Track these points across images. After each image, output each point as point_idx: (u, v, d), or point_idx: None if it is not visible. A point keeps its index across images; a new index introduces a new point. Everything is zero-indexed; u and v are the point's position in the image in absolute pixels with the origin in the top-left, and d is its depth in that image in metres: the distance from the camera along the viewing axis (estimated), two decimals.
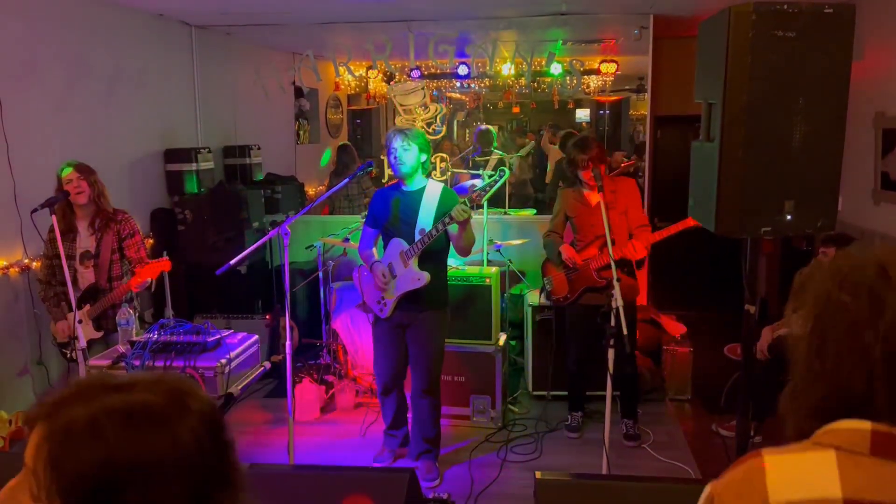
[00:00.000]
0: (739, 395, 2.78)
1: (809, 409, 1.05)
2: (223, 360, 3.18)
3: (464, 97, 12.89)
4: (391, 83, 7.32)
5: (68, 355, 4.02)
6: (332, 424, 4.77)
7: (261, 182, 6.74)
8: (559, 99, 11.67)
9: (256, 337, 3.64)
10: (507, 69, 6.74)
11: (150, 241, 5.57)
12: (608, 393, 3.52)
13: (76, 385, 0.91)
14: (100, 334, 3.90)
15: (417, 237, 3.74)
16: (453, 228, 3.67)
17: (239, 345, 3.44)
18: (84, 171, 3.80)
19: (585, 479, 3.23)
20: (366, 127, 10.77)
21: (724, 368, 4.75)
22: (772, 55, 2.35)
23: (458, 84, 10.95)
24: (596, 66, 9.01)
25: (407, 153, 3.74)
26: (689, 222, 3.72)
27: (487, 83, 10.83)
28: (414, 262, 3.75)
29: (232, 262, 3.51)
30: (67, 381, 2.73)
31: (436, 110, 6.13)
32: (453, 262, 4.99)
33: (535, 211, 6.57)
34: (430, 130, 5.78)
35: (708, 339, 5.52)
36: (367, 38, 6.11)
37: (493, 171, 6.86)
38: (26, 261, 4.31)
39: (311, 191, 8.33)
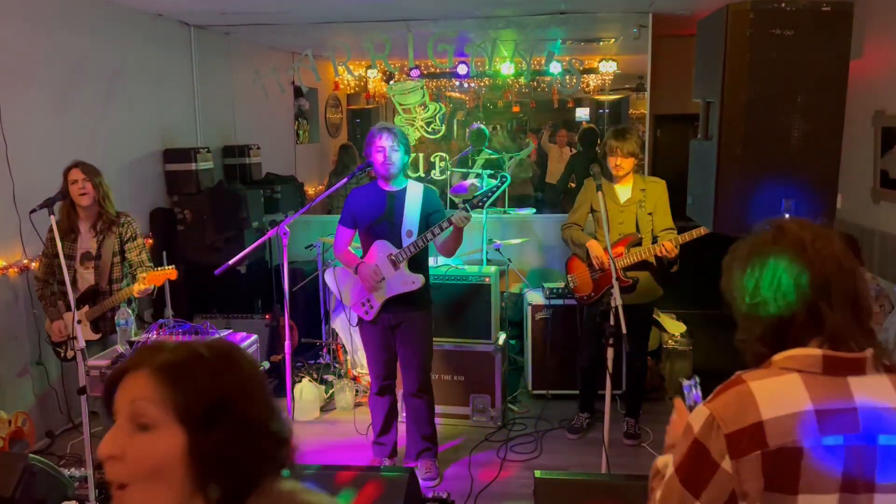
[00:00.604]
0: None
1: (754, 339, 1.38)
2: None
3: (463, 96, 12.89)
4: (390, 82, 7.33)
5: (62, 354, 4.02)
6: (332, 424, 4.77)
7: (260, 182, 6.74)
8: (559, 98, 11.68)
9: (255, 337, 3.64)
10: (506, 68, 6.73)
11: (150, 241, 5.57)
12: (608, 392, 3.52)
13: (144, 348, 1.12)
14: (97, 336, 3.89)
15: (405, 238, 3.72)
16: (447, 231, 3.65)
17: (238, 345, 3.44)
18: (90, 172, 3.80)
19: (585, 477, 3.23)
20: (365, 126, 10.76)
21: (723, 367, 4.74)
22: (770, 53, 2.35)
23: (457, 83, 10.95)
24: (595, 65, 9.02)
25: (396, 153, 3.70)
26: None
27: (487, 82, 10.83)
28: (405, 265, 3.72)
29: (231, 261, 3.51)
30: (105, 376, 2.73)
31: (435, 109, 6.14)
32: (452, 261, 4.99)
33: (534, 210, 6.57)
34: (430, 130, 5.79)
35: (707, 337, 5.52)
36: (366, 38, 6.10)
37: (482, 170, 6.86)
38: (25, 261, 4.31)
39: (310, 190, 8.34)
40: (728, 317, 1.48)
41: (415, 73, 7.13)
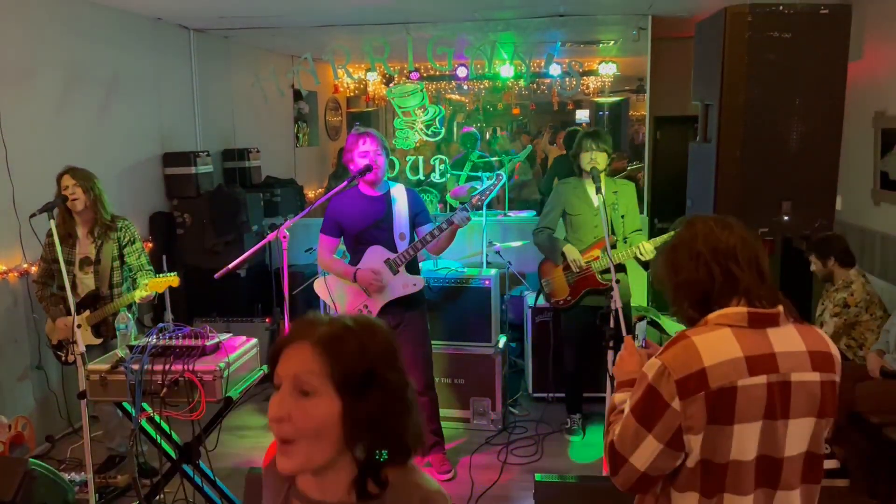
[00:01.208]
0: None
1: (686, 307, 1.70)
2: (222, 364, 3.17)
3: (463, 99, 12.89)
4: (390, 85, 7.32)
5: (63, 358, 4.02)
6: None
7: (260, 185, 6.74)
8: (559, 100, 11.68)
9: (256, 340, 3.62)
10: (505, 71, 6.73)
11: (150, 244, 5.57)
12: (608, 394, 3.51)
13: (301, 321, 1.28)
14: (99, 341, 3.89)
15: (399, 242, 3.72)
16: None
17: (238, 348, 3.43)
18: (80, 177, 3.78)
19: (585, 481, 3.22)
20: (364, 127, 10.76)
21: None
22: (768, 56, 2.36)
23: (457, 86, 10.96)
24: (595, 66, 9.02)
25: (381, 157, 3.69)
26: None
27: (487, 85, 10.83)
28: (403, 268, 3.73)
29: (230, 265, 3.51)
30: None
31: (434, 112, 6.14)
32: (452, 264, 4.99)
33: (534, 213, 6.56)
34: (429, 132, 5.79)
35: None
36: (366, 41, 6.10)
37: (480, 172, 6.86)
38: (25, 265, 4.31)
39: (310, 193, 8.33)
40: None
41: (414, 75, 7.14)
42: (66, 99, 4.75)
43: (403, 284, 3.73)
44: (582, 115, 12.20)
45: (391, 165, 3.84)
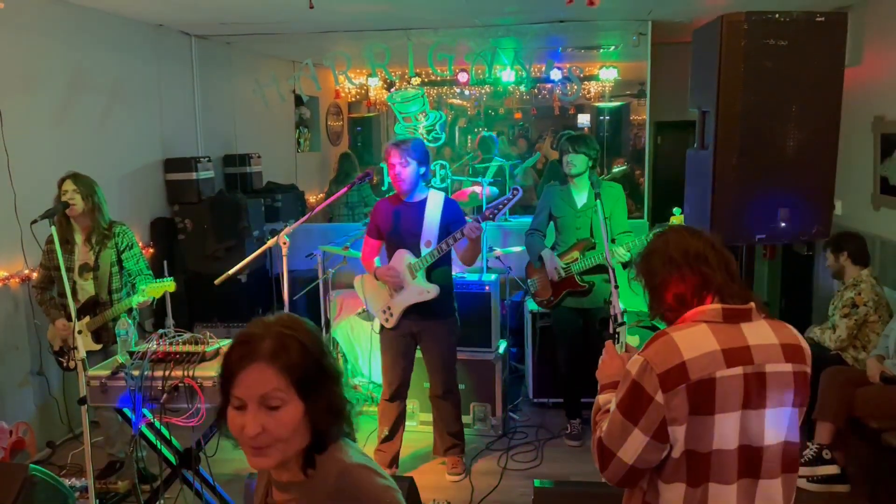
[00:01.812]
0: None
1: (663, 309, 1.82)
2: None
3: (465, 103, 12.91)
4: (391, 90, 7.34)
5: (64, 364, 4.03)
6: None
7: (261, 191, 6.75)
8: (560, 105, 11.68)
9: None
10: (506, 76, 6.75)
11: (151, 250, 5.58)
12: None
13: (242, 343, 1.36)
14: (98, 347, 3.90)
15: (423, 249, 3.78)
16: (461, 241, 3.72)
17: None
18: (81, 184, 3.80)
19: (584, 487, 3.23)
20: (366, 134, 10.79)
21: None
22: (764, 63, 2.37)
23: (458, 91, 10.98)
24: (596, 71, 9.03)
25: (406, 169, 3.74)
26: None
27: (488, 90, 10.84)
28: (421, 275, 3.78)
29: (230, 271, 3.52)
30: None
31: (435, 118, 6.15)
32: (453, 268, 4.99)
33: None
34: (430, 138, 5.80)
35: None
36: (366, 47, 6.12)
37: (493, 178, 6.87)
38: (27, 271, 4.32)
39: (311, 199, 8.35)
40: None
41: (415, 81, 7.16)
42: (69, 105, 4.77)
43: (419, 291, 3.80)
44: (583, 119, 12.21)
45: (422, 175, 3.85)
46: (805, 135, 2.43)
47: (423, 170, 3.80)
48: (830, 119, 2.47)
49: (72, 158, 4.44)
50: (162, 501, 3.33)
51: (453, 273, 4.88)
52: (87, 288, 3.90)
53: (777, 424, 1.71)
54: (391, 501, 1.36)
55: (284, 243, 3.48)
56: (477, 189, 6.12)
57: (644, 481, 1.77)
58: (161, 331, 3.31)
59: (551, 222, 4.47)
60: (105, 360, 3.72)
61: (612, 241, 4.23)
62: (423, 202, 3.82)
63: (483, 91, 11.01)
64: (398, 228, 3.85)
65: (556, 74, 6.74)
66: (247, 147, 6.97)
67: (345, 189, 4.01)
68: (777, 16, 2.35)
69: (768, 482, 1.72)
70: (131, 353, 3.29)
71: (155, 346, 3.26)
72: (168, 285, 3.75)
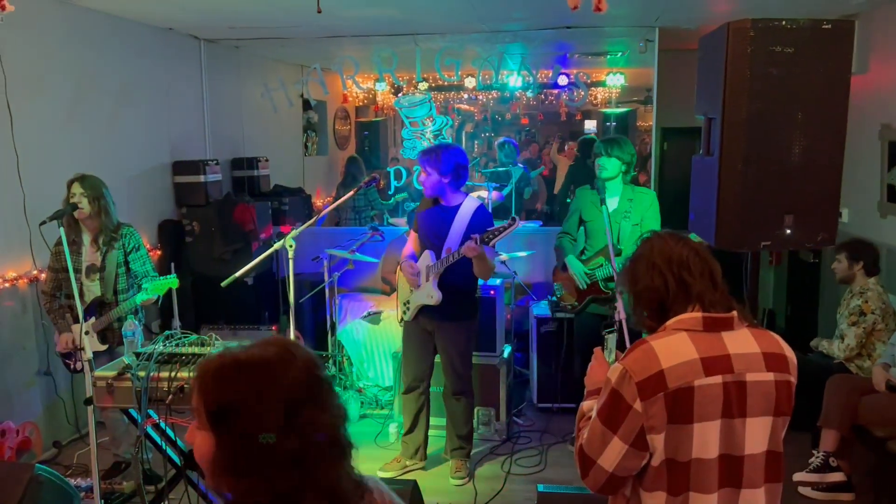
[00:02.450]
0: None
1: (644, 316, 1.82)
2: None
3: (472, 108, 12.93)
4: (399, 95, 7.37)
5: (72, 366, 4.05)
6: None
7: (268, 194, 6.78)
8: (567, 110, 11.70)
9: None
10: (513, 81, 6.77)
11: (158, 252, 5.61)
12: None
13: (217, 355, 1.24)
14: (104, 347, 3.92)
15: (444, 255, 3.84)
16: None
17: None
18: (89, 186, 3.83)
19: (588, 492, 3.22)
20: (373, 138, 10.82)
21: None
22: (770, 70, 2.37)
23: (465, 96, 11.00)
24: (603, 77, 9.04)
25: (429, 178, 3.85)
26: None
27: (495, 95, 10.87)
28: (434, 278, 3.84)
29: (237, 273, 3.54)
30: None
31: (442, 122, 6.18)
32: None
33: (540, 223, 6.58)
34: (434, 141, 5.82)
35: None
36: (374, 52, 6.14)
37: (490, 182, 6.88)
38: (35, 272, 4.35)
39: (318, 202, 8.38)
40: None
41: (422, 86, 7.19)
42: (78, 107, 4.81)
43: (428, 295, 3.87)
44: (591, 125, 12.24)
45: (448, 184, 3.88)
46: (811, 142, 2.43)
47: (447, 180, 3.84)
48: (837, 127, 2.46)
49: (81, 160, 4.47)
50: (166, 502, 3.34)
51: None
52: (93, 289, 3.93)
53: (759, 433, 1.70)
54: None
55: (290, 246, 3.49)
56: (483, 194, 6.14)
57: (627, 489, 1.77)
58: (167, 332, 3.33)
59: (581, 227, 4.43)
60: (111, 360, 3.75)
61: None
62: (456, 208, 3.89)
63: (490, 96, 11.04)
64: (427, 229, 3.97)
65: (562, 80, 6.76)
66: (255, 150, 7.00)
67: (350, 193, 4.02)
68: (783, 23, 2.35)
69: (751, 491, 1.71)
70: (138, 354, 3.32)
71: (161, 347, 3.28)
72: (171, 282, 3.78)
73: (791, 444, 4.64)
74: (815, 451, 3.96)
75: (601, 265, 4.24)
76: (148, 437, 3.31)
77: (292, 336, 3.52)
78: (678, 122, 6.97)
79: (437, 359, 4.19)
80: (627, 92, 10.13)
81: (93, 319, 3.88)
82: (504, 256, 5.29)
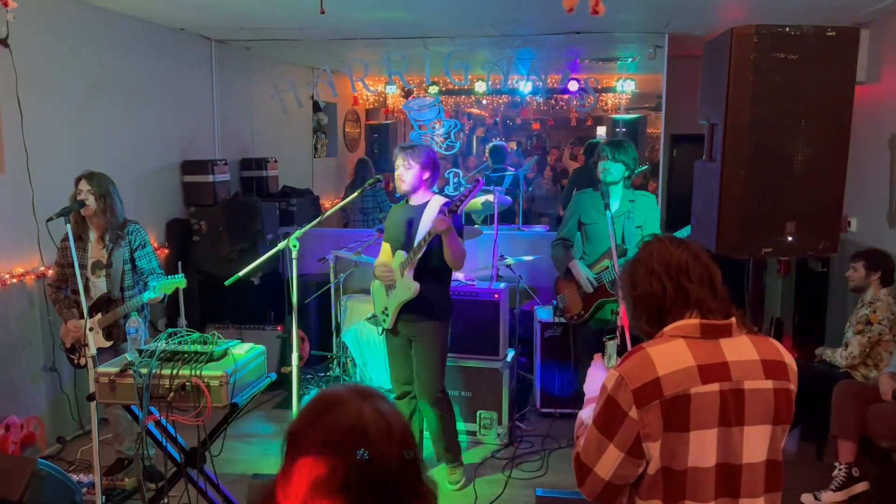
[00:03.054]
0: None
1: (643, 321, 1.79)
2: (229, 370, 3.21)
3: (483, 113, 12.96)
4: (409, 99, 7.39)
5: (76, 361, 4.08)
6: None
7: (276, 194, 6.81)
8: (577, 116, 11.70)
9: (264, 348, 3.66)
10: (522, 86, 6.77)
11: (166, 250, 5.64)
12: None
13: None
14: (109, 344, 3.95)
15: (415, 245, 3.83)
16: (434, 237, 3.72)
17: (246, 355, 3.47)
18: (96, 183, 3.85)
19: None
20: (383, 141, 10.85)
21: None
22: (773, 77, 2.36)
23: (476, 100, 11.03)
24: (614, 83, 9.04)
25: (408, 171, 3.82)
26: None
27: (506, 99, 10.88)
28: (409, 273, 3.81)
29: (240, 273, 3.55)
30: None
31: (450, 126, 6.18)
32: (461, 276, 5.01)
33: (547, 229, 6.57)
34: (444, 146, 5.83)
35: None
36: (384, 55, 6.16)
37: (509, 187, 6.88)
38: (42, 268, 4.39)
39: (327, 204, 8.41)
40: None
41: (433, 89, 7.20)
42: (88, 106, 4.85)
43: (406, 287, 3.82)
44: (601, 131, 12.23)
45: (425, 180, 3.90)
46: (814, 149, 2.42)
47: (426, 174, 3.85)
48: (840, 134, 2.45)
49: (90, 158, 4.50)
50: (166, 500, 3.36)
51: (463, 280, 4.92)
52: (99, 285, 3.95)
53: (757, 442, 1.68)
54: None
55: (294, 247, 3.50)
56: (490, 198, 6.13)
57: (623, 496, 1.75)
58: (170, 329, 3.35)
59: (579, 232, 4.33)
60: (115, 357, 3.77)
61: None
62: (423, 206, 3.87)
63: (501, 101, 11.05)
64: (397, 230, 3.94)
65: (573, 86, 6.76)
66: (264, 151, 7.04)
67: (354, 195, 4.03)
68: (787, 30, 2.34)
69: (750, 501, 1.69)
70: (140, 352, 3.34)
71: (164, 344, 3.30)
72: (179, 282, 3.80)
73: (796, 453, 4.59)
74: (836, 464, 3.90)
75: (607, 268, 4.11)
76: (149, 433, 3.33)
77: (294, 336, 3.53)
78: (688, 129, 6.95)
79: None
80: (639, 98, 10.12)
81: (98, 316, 3.91)
82: (510, 260, 5.29)
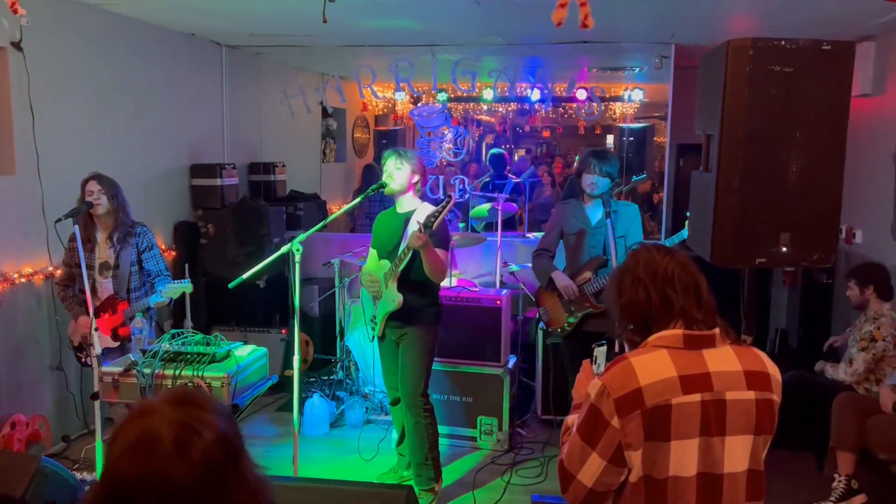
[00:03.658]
0: None
1: (628, 330, 1.80)
2: (230, 372, 3.26)
3: (492, 120, 13.00)
4: (417, 105, 7.44)
5: (83, 360, 4.14)
6: (341, 440, 4.82)
7: (283, 199, 6.87)
8: (585, 124, 11.73)
9: (266, 350, 3.71)
10: (530, 94, 6.81)
11: (173, 253, 5.70)
12: None
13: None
14: (116, 344, 4.01)
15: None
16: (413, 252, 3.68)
17: (248, 357, 3.52)
18: (105, 183, 3.93)
19: None
20: (392, 147, 10.91)
21: None
22: (769, 89, 2.39)
23: (485, 107, 11.07)
24: (622, 92, 9.06)
25: (398, 171, 3.80)
26: None
27: (514, 107, 10.92)
28: (393, 284, 3.79)
29: (244, 275, 3.59)
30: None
31: (457, 132, 6.23)
32: (463, 280, 5.04)
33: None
34: (448, 150, 5.88)
35: None
36: (392, 62, 6.22)
37: (510, 194, 6.91)
38: (51, 268, 4.45)
39: (334, 209, 8.46)
40: None
41: (441, 96, 7.24)
42: (99, 109, 4.92)
43: (390, 299, 3.80)
44: (610, 139, 12.26)
45: (415, 184, 3.90)
46: (809, 162, 2.44)
47: (416, 178, 3.85)
48: (836, 147, 2.47)
49: (100, 161, 4.56)
50: None
51: (464, 286, 4.95)
52: (106, 286, 4.02)
53: (739, 452, 1.69)
54: None
55: (297, 251, 3.54)
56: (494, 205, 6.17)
57: (607, 503, 1.77)
58: (173, 331, 3.40)
59: (561, 241, 4.27)
60: (121, 356, 3.83)
61: None
62: (410, 214, 3.83)
63: (509, 108, 11.09)
64: (383, 237, 3.92)
65: (581, 94, 6.78)
66: (272, 156, 7.10)
67: (357, 200, 4.08)
68: (783, 43, 2.37)
69: None
70: (145, 352, 3.39)
71: (167, 345, 3.35)
72: (186, 287, 3.86)
73: (796, 463, 4.59)
74: (836, 475, 3.90)
75: (589, 279, 4.03)
76: None
77: (297, 339, 3.57)
78: (694, 139, 6.95)
79: (435, 366, 4.13)
80: (647, 107, 10.15)
81: (105, 315, 3.97)
82: (513, 267, 5.32)
